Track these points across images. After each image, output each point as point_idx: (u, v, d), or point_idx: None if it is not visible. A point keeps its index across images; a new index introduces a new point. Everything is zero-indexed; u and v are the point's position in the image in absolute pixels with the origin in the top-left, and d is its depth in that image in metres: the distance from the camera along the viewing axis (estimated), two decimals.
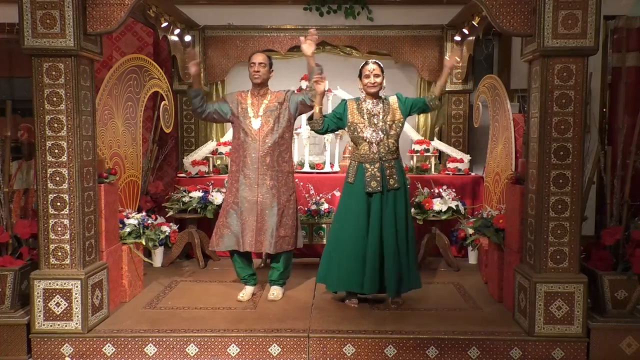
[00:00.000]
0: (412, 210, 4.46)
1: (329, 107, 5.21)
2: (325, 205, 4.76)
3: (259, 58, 3.69)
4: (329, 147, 5.20)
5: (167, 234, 4.18)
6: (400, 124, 3.59)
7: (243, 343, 3.15)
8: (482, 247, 4.28)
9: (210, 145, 5.38)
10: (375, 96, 3.60)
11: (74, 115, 3.10)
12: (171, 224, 4.33)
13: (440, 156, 5.57)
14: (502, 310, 3.58)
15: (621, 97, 5.33)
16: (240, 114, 3.69)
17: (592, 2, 3.00)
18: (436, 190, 4.68)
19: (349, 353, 3.14)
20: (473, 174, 5.22)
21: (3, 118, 3.45)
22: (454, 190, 4.71)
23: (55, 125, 3.10)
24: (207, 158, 5.25)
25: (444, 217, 4.52)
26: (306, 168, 5.13)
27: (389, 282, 3.52)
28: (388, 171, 3.52)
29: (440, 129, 5.76)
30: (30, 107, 3.11)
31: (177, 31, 5.04)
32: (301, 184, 4.83)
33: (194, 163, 5.05)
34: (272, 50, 5.47)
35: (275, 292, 3.78)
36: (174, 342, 3.15)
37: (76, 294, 3.15)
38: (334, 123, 3.66)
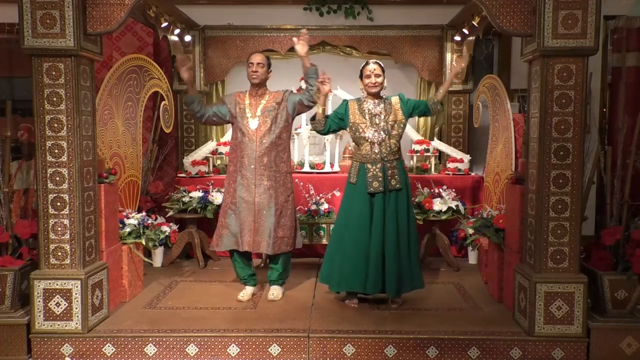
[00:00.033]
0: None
1: (329, 108, 5.21)
2: (325, 205, 4.76)
3: (257, 58, 3.69)
4: (329, 147, 5.20)
5: (167, 234, 4.18)
6: (402, 125, 3.59)
7: (243, 343, 3.15)
8: (482, 247, 4.28)
9: (210, 145, 5.38)
10: (376, 96, 3.61)
11: (74, 115, 3.10)
12: (171, 224, 4.33)
13: (440, 156, 5.57)
14: (502, 310, 3.58)
15: (621, 97, 5.33)
16: (238, 114, 3.69)
17: (592, 2, 3.00)
18: (436, 190, 4.68)
19: (349, 353, 3.14)
20: (473, 174, 5.22)
21: (3, 118, 3.45)
22: (454, 190, 4.71)
23: (55, 125, 3.10)
24: (207, 158, 5.25)
25: (444, 217, 4.52)
26: (306, 168, 5.13)
27: (388, 281, 3.51)
28: (390, 171, 3.52)
29: (440, 129, 5.76)
30: (30, 107, 3.11)
31: (177, 31, 5.05)
32: (301, 184, 4.84)
33: (194, 163, 5.05)
34: (272, 50, 5.47)
35: (275, 292, 3.79)
36: (174, 342, 3.15)
37: (76, 294, 3.15)
38: (335, 124, 3.66)
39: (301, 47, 3.52)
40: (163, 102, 4.57)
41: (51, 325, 3.16)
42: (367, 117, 3.57)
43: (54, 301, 3.15)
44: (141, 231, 3.94)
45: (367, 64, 3.60)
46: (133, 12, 3.53)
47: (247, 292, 3.79)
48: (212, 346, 3.16)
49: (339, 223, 3.67)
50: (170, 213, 4.64)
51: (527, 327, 3.18)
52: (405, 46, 5.55)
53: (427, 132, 5.75)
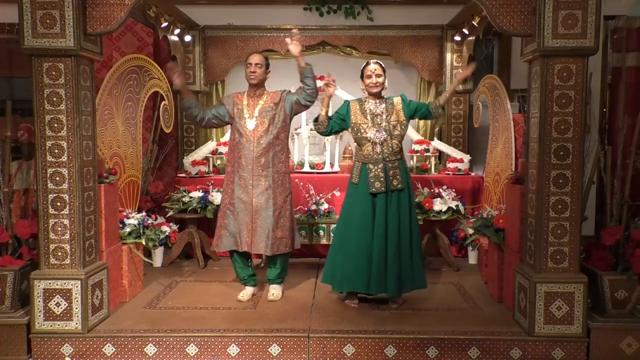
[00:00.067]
0: None
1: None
2: (325, 205, 4.76)
3: (255, 59, 3.69)
4: (329, 147, 5.20)
5: (167, 234, 4.18)
6: (403, 125, 3.59)
7: (243, 343, 3.15)
8: (482, 247, 4.28)
9: (210, 145, 5.38)
10: (377, 96, 3.61)
11: (74, 115, 3.10)
12: (171, 224, 4.33)
13: (440, 156, 5.57)
14: (502, 310, 3.58)
15: (621, 97, 5.33)
16: (236, 115, 3.69)
17: (592, 2, 3.00)
18: (436, 190, 4.68)
19: (349, 353, 3.14)
20: (473, 174, 5.22)
21: (3, 118, 3.45)
22: (454, 190, 4.71)
23: (55, 125, 3.10)
24: (207, 158, 5.25)
25: (444, 217, 4.52)
26: (306, 168, 5.13)
27: (389, 281, 3.51)
28: (391, 172, 3.52)
29: (440, 129, 5.76)
30: (30, 107, 3.11)
31: (177, 31, 5.05)
32: (301, 184, 4.84)
33: (194, 163, 5.05)
34: (272, 50, 5.47)
35: (274, 291, 3.79)
36: (174, 342, 3.15)
37: (76, 294, 3.15)
38: (337, 125, 3.66)
39: (295, 47, 3.51)
40: (163, 102, 4.57)
41: (51, 325, 3.16)
42: (368, 117, 3.57)
43: (54, 301, 3.15)
44: (141, 231, 3.94)
45: (367, 64, 3.60)
46: (133, 12, 3.53)
47: (247, 292, 3.79)
48: (212, 346, 3.16)
49: (341, 223, 3.67)
50: (170, 213, 4.64)
51: (527, 327, 3.18)
52: (405, 46, 5.55)
53: (427, 132, 5.75)
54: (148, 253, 4.41)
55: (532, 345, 3.12)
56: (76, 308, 3.16)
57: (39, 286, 3.14)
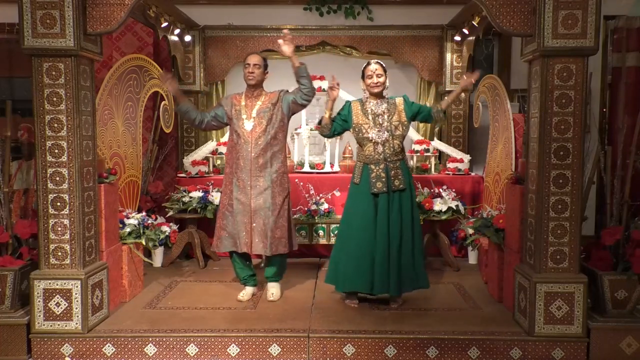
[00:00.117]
0: None
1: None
2: (325, 205, 4.76)
3: (253, 59, 3.69)
4: (329, 147, 5.20)
5: (167, 234, 4.18)
6: (405, 126, 3.60)
7: (243, 343, 3.15)
8: (482, 247, 4.28)
9: (210, 145, 5.38)
10: (378, 96, 3.61)
11: (74, 115, 3.10)
12: (171, 224, 4.33)
13: (440, 156, 5.57)
14: (502, 310, 3.58)
15: (621, 97, 5.33)
16: (234, 115, 3.69)
17: (592, 2, 3.00)
18: (436, 190, 4.68)
19: (349, 353, 3.14)
20: (473, 174, 5.22)
21: (3, 118, 3.45)
22: (454, 190, 4.71)
23: (55, 125, 3.10)
24: (207, 158, 5.25)
25: (444, 217, 4.52)
26: (306, 168, 5.13)
27: (392, 281, 3.52)
28: (393, 172, 3.52)
29: (440, 129, 5.76)
30: (30, 107, 3.11)
31: (177, 31, 5.05)
32: (301, 184, 4.84)
33: (194, 163, 5.05)
34: (272, 50, 5.47)
35: (273, 290, 3.78)
36: (174, 342, 3.15)
37: (76, 294, 3.15)
38: (340, 126, 3.67)
39: (287, 48, 3.51)
40: (163, 102, 4.57)
41: (51, 325, 3.16)
42: (370, 117, 3.57)
43: (54, 301, 3.15)
44: (141, 231, 3.94)
45: (368, 64, 3.60)
46: (133, 12, 3.53)
47: (247, 292, 3.79)
48: (212, 346, 3.16)
49: (343, 224, 3.68)
50: (170, 213, 4.64)
51: (527, 327, 3.18)
52: (405, 46, 5.55)
53: (427, 132, 5.75)
54: (148, 253, 4.41)
55: (532, 345, 3.12)
56: (76, 308, 3.16)
57: (39, 286, 3.14)
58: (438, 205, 4.51)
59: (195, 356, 3.15)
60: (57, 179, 3.13)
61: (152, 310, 3.58)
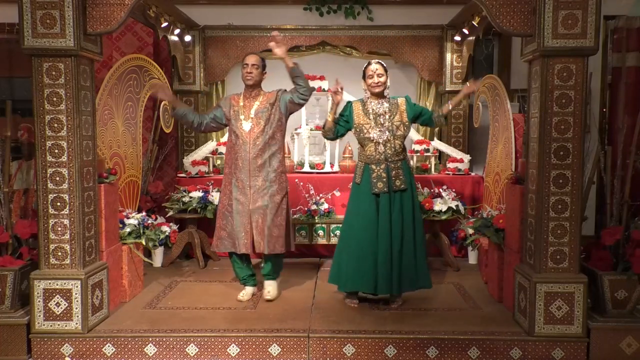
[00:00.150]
0: None
1: (328, 108, 5.21)
2: (325, 205, 4.76)
3: (251, 59, 3.69)
4: (329, 147, 5.20)
5: (167, 234, 4.18)
6: (407, 126, 3.60)
7: (243, 343, 3.15)
8: (482, 247, 4.28)
9: (210, 145, 5.38)
10: (380, 96, 3.61)
11: (74, 115, 3.10)
12: (171, 224, 4.33)
13: (440, 156, 5.57)
14: (502, 310, 3.58)
15: (621, 97, 5.33)
16: (232, 116, 3.70)
17: (592, 2, 3.00)
18: (436, 190, 4.68)
19: (349, 353, 3.14)
20: (473, 174, 5.22)
21: (3, 118, 3.45)
22: (454, 190, 4.71)
23: (55, 125, 3.10)
24: (207, 158, 5.25)
25: (444, 217, 4.52)
26: (306, 168, 5.13)
27: (394, 281, 3.52)
28: (394, 172, 3.52)
29: (440, 129, 5.76)
30: (30, 107, 3.11)
31: (177, 31, 5.04)
32: (301, 184, 4.84)
33: (194, 163, 5.05)
34: (272, 51, 5.45)
35: (270, 288, 3.76)
36: (174, 342, 3.15)
37: (76, 294, 3.15)
38: (343, 127, 3.68)
39: (279, 50, 3.52)
40: (163, 102, 4.56)
41: (51, 325, 3.16)
42: (371, 117, 3.57)
43: (54, 301, 3.15)
44: (141, 231, 3.94)
45: (369, 64, 3.60)
46: (133, 12, 3.53)
47: (246, 292, 3.79)
48: (212, 346, 3.16)
49: (345, 224, 3.69)
50: (170, 213, 4.64)
51: (527, 327, 3.18)
52: (405, 46, 5.55)
53: (427, 132, 5.75)
54: (148, 253, 4.41)
55: (532, 345, 3.12)
56: (76, 308, 3.16)
57: (39, 286, 3.14)
58: (438, 205, 4.51)
59: (195, 356, 3.15)
60: (57, 179, 3.13)
61: (152, 310, 3.58)
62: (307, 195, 4.84)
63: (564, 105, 3.07)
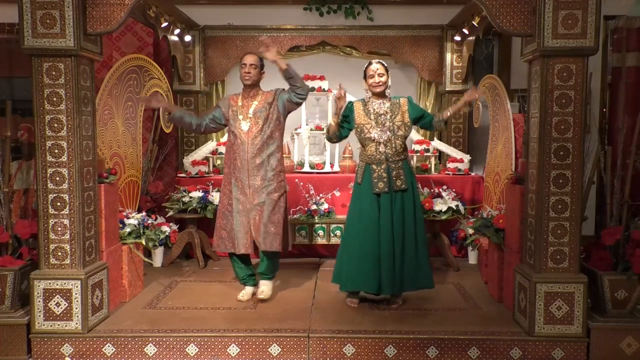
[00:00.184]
0: None
1: (330, 107, 5.21)
2: (325, 205, 4.76)
3: (250, 59, 3.69)
4: (329, 147, 5.20)
5: (167, 234, 4.18)
6: (408, 126, 3.60)
7: (243, 343, 3.15)
8: (482, 247, 4.28)
9: (210, 145, 5.38)
10: (381, 96, 3.61)
11: (74, 115, 3.10)
12: (171, 224, 4.33)
13: (440, 156, 5.57)
14: (502, 310, 3.58)
15: (621, 97, 5.33)
16: (231, 116, 3.70)
17: (592, 2, 3.00)
18: (436, 190, 4.68)
19: (349, 353, 3.14)
20: (473, 174, 5.22)
21: (3, 118, 3.45)
22: (454, 190, 4.71)
23: (55, 125, 3.10)
24: (207, 158, 5.25)
25: (444, 217, 4.52)
26: (306, 168, 5.13)
27: (396, 280, 3.52)
28: (395, 172, 3.52)
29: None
30: (30, 107, 3.11)
31: (177, 31, 5.04)
32: (301, 184, 4.84)
33: (194, 163, 5.05)
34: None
35: (264, 287, 3.74)
36: (174, 342, 3.15)
37: (76, 294, 3.15)
38: (345, 129, 3.68)
39: (270, 54, 3.52)
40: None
41: (51, 325, 3.16)
42: (372, 117, 3.57)
43: (54, 301, 3.15)
44: (141, 231, 3.94)
45: (370, 64, 3.60)
46: (133, 12, 3.53)
47: (246, 292, 3.79)
48: (212, 346, 3.16)
49: (348, 223, 3.69)
50: (170, 213, 4.64)
51: (527, 327, 3.18)
52: (405, 46, 5.55)
53: (427, 132, 5.74)
54: (148, 253, 4.41)
55: (532, 345, 3.12)
56: (76, 308, 3.16)
57: (39, 286, 3.14)
58: (438, 205, 4.51)
59: (195, 356, 3.15)
60: (57, 179, 3.13)
61: (152, 310, 3.58)
62: (307, 195, 4.84)
63: (564, 105, 3.07)
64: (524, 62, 3.35)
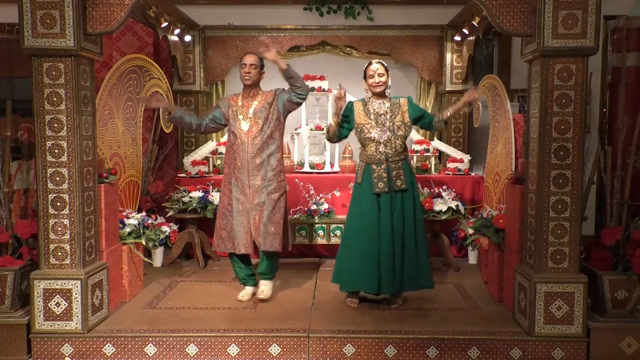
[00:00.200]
0: None
1: (330, 107, 5.21)
2: (325, 205, 4.76)
3: (249, 59, 3.69)
4: (329, 147, 5.20)
5: (167, 234, 4.18)
6: (408, 126, 3.60)
7: (243, 343, 3.15)
8: (482, 247, 4.28)
9: (210, 145, 5.38)
10: (381, 96, 3.61)
11: (74, 115, 3.10)
12: (171, 224, 4.33)
13: (440, 156, 5.57)
14: (502, 310, 3.58)
15: (621, 97, 5.33)
16: (231, 116, 3.70)
17: (592, 2, 3.00)
18: (436, 190, 4.68)
19: (349, 353, 3.14)
20: (473, 174, 5.22)
21: (3, 118, 3.45)
22: (454, 190, 4.71)
23: (55, 125, 3.10)
24: (207, 158, 5.25)
25: (444, 217, 4.53)
26: (306, 168, 5.13)
27: (397, 280, 3.52)
28: (395, 172, 3.52)
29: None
30: (30, 107, 3.11)
31: (177, 31, 5.04)
32: (301, 184, 4.84)
33: (194, 163, 5.05)
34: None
35: (264, 287, 3.74)
36: (174, 342, 3.15)
37: (76, 294, 3.15)
38: (346, 129, 3.68)
39: (270, 53, 3.51)
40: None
41: (51, 325, 3.16)
42: (372, 117, 3.57)
43: (54, 301, 3.15)
44: (141, 231, 3.94)
45: (370, 64, 3.60)
46: (133, 12, 3.53)
47: (247, 292, 3.79)
48: (212, 346, 3.16)
49: (348, 223, 3.69)
50: (170, 213, 4.64)
51: (527, 327, 3.18)
52: (405, 46, 5.55)
53: (427, 132, 5.74)
54: (148, 253, 4.41)
55: (532, 345, 3.12)
56: (76, 308, 3.16)
57: (39, 286, 3.14)
58: (438, 205, 4.51)
59: (195, 356, 3.15)
60: (57, 179, 3.13)
61: (152, 310, 3.58)
62: (307, 195, 4.84)
63: (564, 105, 3.07)
64: (524, 62, 3.35)
